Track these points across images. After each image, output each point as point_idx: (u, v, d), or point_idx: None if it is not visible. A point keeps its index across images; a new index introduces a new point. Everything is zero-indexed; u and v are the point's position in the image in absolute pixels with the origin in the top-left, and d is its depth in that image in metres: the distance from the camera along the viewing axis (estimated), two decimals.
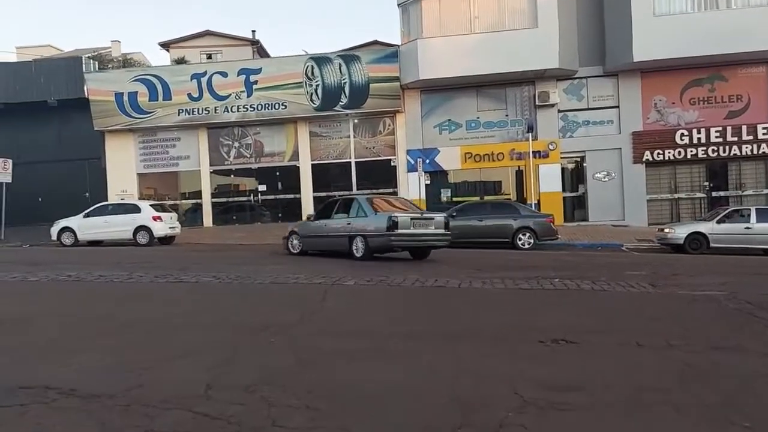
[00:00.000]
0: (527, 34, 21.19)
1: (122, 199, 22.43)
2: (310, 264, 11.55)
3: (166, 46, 34.50)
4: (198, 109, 23.10)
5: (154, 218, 18.48)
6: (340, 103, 22.71)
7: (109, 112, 23.07)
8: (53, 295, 7.92)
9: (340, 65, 22.57)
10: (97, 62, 23.83)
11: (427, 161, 22.82)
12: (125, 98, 23.01)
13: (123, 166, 23.81)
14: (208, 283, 8.47)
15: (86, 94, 22.93)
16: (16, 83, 22.82)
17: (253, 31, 45.81)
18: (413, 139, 23.10)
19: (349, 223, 12.82)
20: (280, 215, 23.89)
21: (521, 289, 8.07)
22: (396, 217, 11.99)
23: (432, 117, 23.10)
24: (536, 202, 21.60)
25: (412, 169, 22.61)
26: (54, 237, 18.85)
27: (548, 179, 22.08)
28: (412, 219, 12.26)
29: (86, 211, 18.98)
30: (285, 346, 4.89)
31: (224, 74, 22.97)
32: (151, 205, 19.03)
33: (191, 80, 22.97)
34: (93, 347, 4.91)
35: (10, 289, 8.38)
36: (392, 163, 23.43)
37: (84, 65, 23.41)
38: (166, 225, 18.86)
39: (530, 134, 21.95)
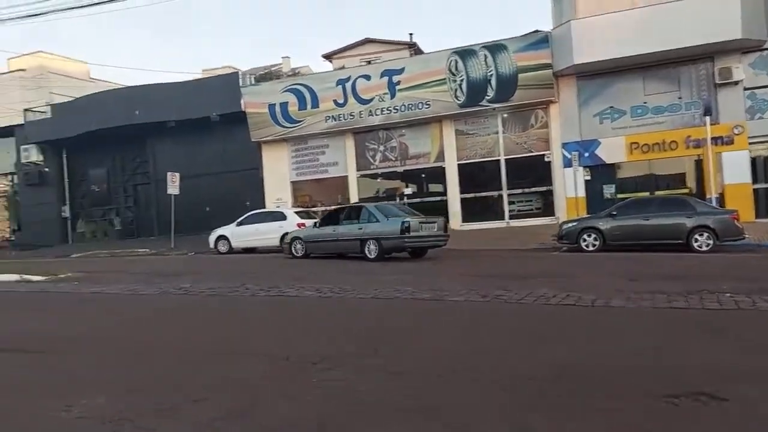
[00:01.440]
0: (701, 3, 18.21)
1: (277, 207, 23.08)
2: (421, 275, 10.53)
3: (329, 57, 35.37)
4: (343, 114, 23.08)
5: (299, 225, 18.57)
6: (487, 97, 21.32)
7: (263, 123, 23.91)
8: (136, 311, 7.72)
9: (485, 57, 21.21)
10: (253, 76, 24.80)
11: (586, 154, 20.61)
12: (277, 109, 23.69)
13: (278, 175, 24.55)
14: (306, 298, 7.79)
15: (243, 107, 23.96)
16: (184, 102, 24.51)
17: (411, 34, 45.72)
18: (569, 131, 21.00)
19: (360, 228, 14.58)
20: None
21: (672, 308, 6.33)
22: (408, 221, 13.93)
23: (590, 105, 20.82)
24: (717, 196, 18.45)
25: (568, 164, 20.58)
26: (211, 245, 19.77)
27: (734, 169, 18.77)
28: (420, 222, 14.29)
29: (239, 220, 19.66)
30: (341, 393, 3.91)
31: (367, 77, 22.71)
32: (296, 212, 19.21)
33: (336, 86, 23.01)
34: (100, 387, 4.32)
35: (109, 304, 8.37)
36: (546, 159, 21.51)
37: (241, 80, 24.51)
38: None
39: (708, 117, 18.83)
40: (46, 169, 27.77)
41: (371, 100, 22.68)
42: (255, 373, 4.30)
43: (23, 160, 27.85)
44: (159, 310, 7.52)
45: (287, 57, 24.67)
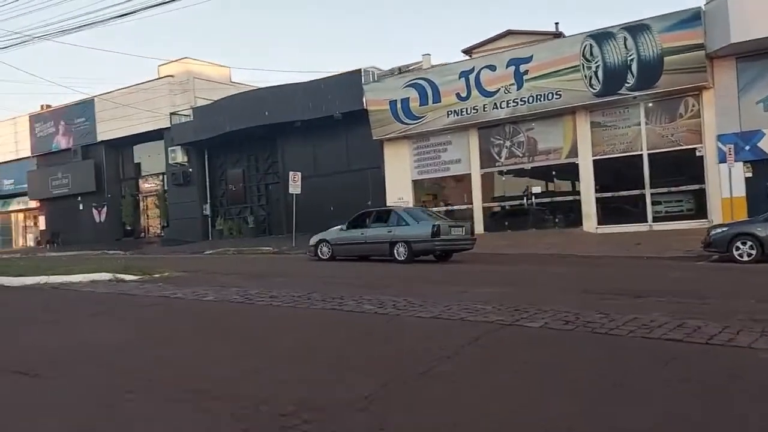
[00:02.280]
0: None
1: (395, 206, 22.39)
2: (514, 284, 9.05)
3: (468, 52, 34.15)
4: (466, 108, 21.78)
5: None
6: (626, 84, 18.93)
7: (384, 120, 23.31)
8: (170, 322, 7.18)
9: (624, 39, 18.83)
10: (374, 73, 24.32)
11: (747, 148, 17.59)
12: (398, 105, 22.97)
13: (399, 174, 23.85)
14: (360, 314, 6.77)
15: (365, 105, 23.56)
16: (310, 101, 24.66)
17: (556, 24, 43.04)
18: (727, 120, 18.04)
19: (390, 231, 15.13)
20: (556, 219, 21.11)
21: None
22: (438, 225, 14.43)
23: (752, 91, 17.74)
24: None
25: (724, 159, 17.65)
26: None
27: None
28: (449, 226, 14.95)
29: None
30: None
31: (492, 68, 21.20)
32: None
33: (459, 79, 21.77)
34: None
35: (149, 312, 7.95)
36: (698, 153, 18.68)
37: (363, 77, 24.14)
38: None
39: None
40: (190, 170, 29.46)
41: (496, 92, 21.16)
42: None
43: (170, 161, 29.79)
44: (192, 319, 6.96)
45: (428, 54, 23.88)
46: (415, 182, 23.92)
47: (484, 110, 21.49)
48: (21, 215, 38.56)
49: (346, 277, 11.12)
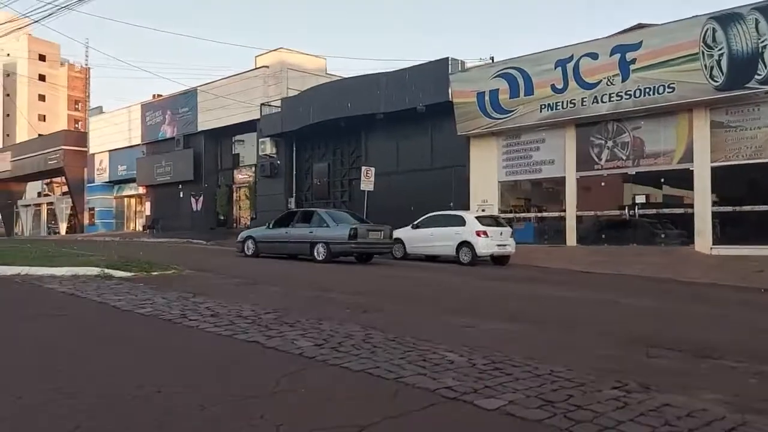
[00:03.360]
0: None
1: (482, 210, 20.24)
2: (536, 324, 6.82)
3: None
4: (562, 102, 19.12)
5: (478, 233, 15.56)
6: (756, 77, 15.50)
7: (470, 114, 21.15)
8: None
9: (756, 22, 15.41)
10: (462, 62, 22.20)
11: None
12: (486, 97, 20.72)
13: (485, 174, 21.57)
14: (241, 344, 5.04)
15: (450, 97, 21.55)
16: (393, 92, 23.06)
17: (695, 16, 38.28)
18: None
19: (311, 232, 15.33)
20: (663, 235, 17.95)
21: None
22: (356, 228, 14.83)
23: None
24: None
25: None
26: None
27: None
28: (367, 230, 15.21)
29: (416, 222, 17.37)
30: None
31: (594, 56, 18.38)
32: (478, 218, 16.20)
33: (555, 68, 19.14)
34: None
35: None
36: None
37: (450, 66, 22.11)
38: (492, 242, 15.76)
39: None
40: (278, 162, 28.94)
41: (597, 83, 18.34)
42: None
43: (260, 153, 29.46)
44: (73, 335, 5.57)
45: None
46: (502, 184, 21.54)
47: (582, 104, 18.73)
48: (133, 200, 40.38)
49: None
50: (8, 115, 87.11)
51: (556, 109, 19.31)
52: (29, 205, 48.87)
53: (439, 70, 22.10)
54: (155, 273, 10.01)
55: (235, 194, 33.23)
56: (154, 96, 37.86)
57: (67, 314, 6.49)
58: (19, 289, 8.20)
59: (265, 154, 29.15)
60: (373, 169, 21.40)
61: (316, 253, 15.01)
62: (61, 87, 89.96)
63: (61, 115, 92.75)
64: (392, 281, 11.51)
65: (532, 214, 21.13)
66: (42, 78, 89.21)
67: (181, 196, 34.20)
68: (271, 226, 16.72)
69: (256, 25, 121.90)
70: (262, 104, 28.68)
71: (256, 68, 30.75)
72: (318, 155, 28.46)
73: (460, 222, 16.19)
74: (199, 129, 32.94)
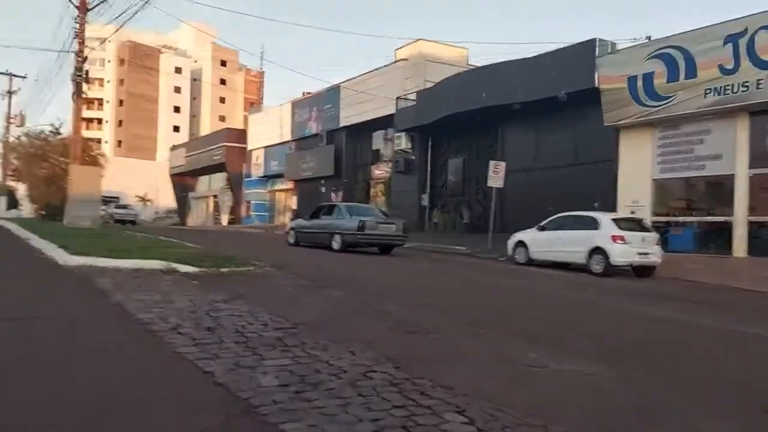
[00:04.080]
0: None
1: (632, 213, 17.56)
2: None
3: None
4: (733, 86, 15.84)
5: (614, 238, 13.21)
6: None
7: (620, 102, 18.41)
8: None
9: None
10: (612, 44, 19.42)
11: None
12: (639, 82, 17.88)
13: (637, 170, 18.69)
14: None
15: (596, 82, 18.98)
16: (531, 80, 20.91)
17: None
18: None
19: (330, 223, 16.31)
20: None
21: None
22: (364, 220, 15.68)
23: None
24: None
25: None
26: (509, 251, 16.00)
27: None
28: (377, 222, 16.05)
29: (542, 223, 15.30)
30: None
31: None
32: (615, 219, 13.78)
33: (724, 45, 15.90)
34: None
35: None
36: None
37: (597, 48, 19.44)
38: (631, 249, 13.32)
39: None
40: (413, 157, 27.92)
41: None
42: None
43: (395, 148, 28.66)
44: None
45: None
46: (656, 182, 18.53)
47: (758, 88, 15.37)
48: (283, 194, 41.78)
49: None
50: (194, 116, 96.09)
51: (724, 93, 16.06)
52: (199, 197, 52.84)
53: (585, 53, 19.58)
54: (226, 269, 9.27)
55: (371, 190, 32.82)
56: (303, 94, 38.78)
57: (58, 317, 5.81)
58: (65, 281, 7.84)
59: (400, 149, 28.28)
60: (503, 164, 19.52)
61: (333, 243, 15.79)
62: (239, 90, 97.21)
63: (237, 116, 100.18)
64: (482, 291, 9.82)
65: (691, 218, 17.92)
66: (223, 82, 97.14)
67: (323, 191, 34.52)
68: (307, 219, 17.93)
69: (405, 17, 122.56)
70: (398, 98, 27.82)
71: (395, 61, 30.00)
72: (453, 150, 26.99)
73: (593, 224, 13.87)
74: (341, 125, 33.01)
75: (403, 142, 28.01)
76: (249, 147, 43.53)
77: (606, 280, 12.84)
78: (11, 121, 41.22)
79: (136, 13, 21.79)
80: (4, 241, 14.71)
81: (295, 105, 38.12)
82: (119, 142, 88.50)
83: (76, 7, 17.56)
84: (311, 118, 35.89)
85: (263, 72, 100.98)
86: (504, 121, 23.33)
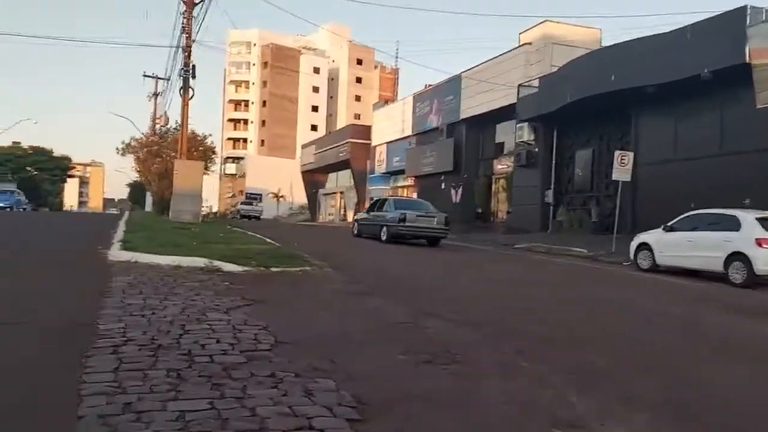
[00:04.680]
0: None
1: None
2: None
3: None
4: None
5: (758, 241, 10.72)
6: None
7: None
8: None
9: None
10: (766, 11, 16.13)
11: None
12: None
13: None
14: None
15: (747, 57, 15.93)
16: (668, 58, 18.08)
17: None
18: None
19: (380, 216, 17.83)
20: None
21: None
22: (405, 213, 16.75)
23: None
24: None
25: None
26: (631, 255, 13.74)
27: None
28: (417, 215, 16.84)
29: (671, 223, 12.91)
30: None
31: None
32: (760, 219, 11.18)
33: None
34: None
35: None
36: None
37: (749, 17, 16.28)
38: None
39: None
40: (536, 150, 25.73)
41: None
42: None
43: (517, 140, 26.63)
44: None
45: None
46: None
47: None
48: (405, 191, 40.98)
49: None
50: (331, 114, 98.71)
51: None
52: (328, 194, 53.71)
53: (733, 23, 16.53)
54: (276, 269, 8.39)
55: (493, 186, 30.92)
56: (426, 86, 37.68)
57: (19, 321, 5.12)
58: (87, 276, 7.30)
59: (522, 141, 26.21)
60: (630, 154, 17.09)
61: (382, 235, 17.05)
62: (374, 88, 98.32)
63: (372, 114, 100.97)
64: (567, 306, 8.04)
65: None
66: (358, 80, 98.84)
67: (443, 186, 33.20)
68: (367, 212, 19.73)
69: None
70: (520, 85, 25.77)
71: (518, 46, 27.93)
72: (581, 141, 24.47)
73: (733, 224, 11.33)
74: (461, 117, 31.46)
75: (525, 134, 25.93)
76: (373, 143, 43.24)
77: (747, 293, 10.39)
78: (156, 121, 44.14)
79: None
80: (84, 233, 14.94)
81: (417, 98, 37.10)
82: (262, 142, 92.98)
83: (183, 2, 17.79)
84: (432, 111, 34.67)
85: (398, 69, 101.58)
86: (637, 106, 20.59)
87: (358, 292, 7.22)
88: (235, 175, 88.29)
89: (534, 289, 9.22)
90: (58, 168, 63.23)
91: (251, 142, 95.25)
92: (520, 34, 28.51)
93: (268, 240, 12.79)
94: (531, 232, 24.23)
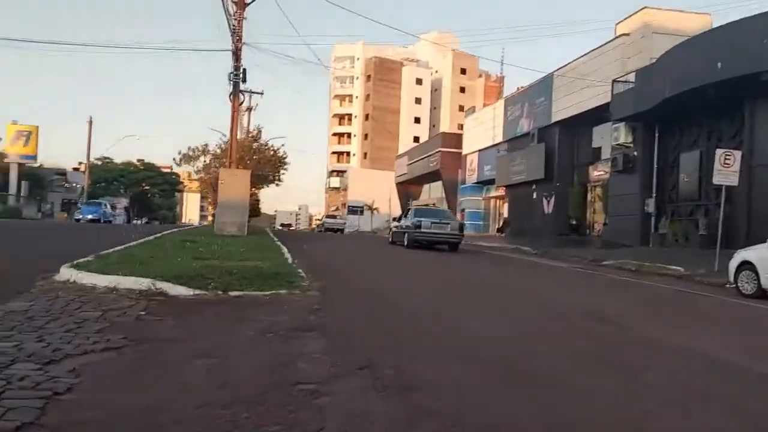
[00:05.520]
0: None
1: None
2: None
3: None
4: None
5: None
6: None
7: None
8: None
9: None
10: None
11: None
12: None
13: None
14: None
15: None
16: None
17: None
18: None
19: (403, 224, 19.44)
20: None
21: None
22: (420, 220, 18.04)
23: None
24: None
25: None
26: (730, 276, 10.99)
27: None
28: (432, 222, 18.09)
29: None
30: None
31: None
32: None
33: None
34: None
35: None
36: None
37: None
38: None
39: None
40: (634, 153, 22.68)
41: None
42: None
43: (612, 142, 23.68)
44: None
45: None
46: None
47: None
48: (497, 201, 38.56)
49: None
50: (434, 125, 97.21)
51: None
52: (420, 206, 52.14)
53: None
54: (236, 293, 6.88)
55: (589, 194, 27.92)
56: (517, 89, 35.23)
57: None
58: None
59: (619, 144, 23.25)
60: (737, 154, 14.14)
61: (405, 240, 18.45)
62: (478, 98, 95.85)
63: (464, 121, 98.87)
64: (602, 367, 5.84)
65: None
66: (462, 90, 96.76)
67: (534, 196, 30.58)
68: (397, 220, 21.44)
69: None
70: (614, 81, 22.91)
71: (614, 38, 25.01)
72: (686, 142, 21.19)
73: None
74: (553, 120, 28.82)
75: (621, 135, 22.99)
76: (464, 151, 41.19)
77: None
78: (250, 133, 44.71)
79: None
80: (80, 248, 14.21)
81: (508, 102, 34.75)
82: (365, 155, 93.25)
83: (234, 2, 17.00)
84: (522, 114, 32.20)
85: (503, 77, 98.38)
86: (751, 98, 17.33)
87: (306, 329, 5.52)
88: (339, 188, 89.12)
89: (568, 341, 6.84)
90: (168, 183, 66.34)
91: (354, 155, 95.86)
92: (616, 24, 25.57)
93: (287, 255, 11.36)
94: (630, 246, 21.27)
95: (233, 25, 16.82)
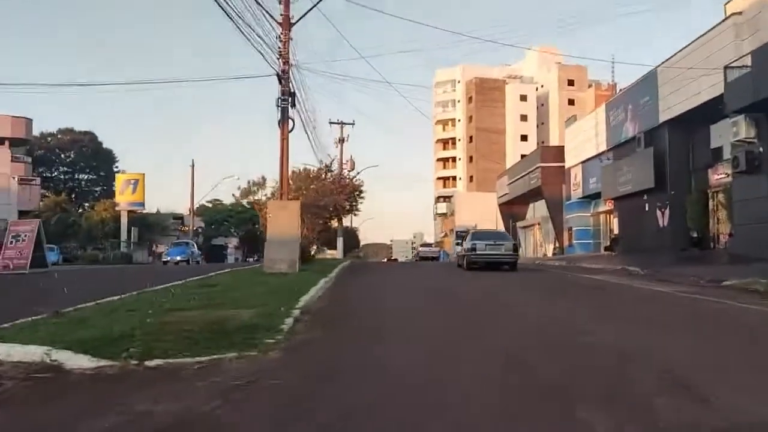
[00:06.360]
0: None
1: None
2: None
3: None
4: None
5: None
6: None
7: None
8: None
9: None
10: None
11: None
12: None
13: None
14: None
15: None
16: None
17: None
18: None
19: (462, 247, 21.22)
20: None
21: None
22: (475, 243, 19.24)
23: None
24: None
25: None
26: None
27: None
28: (486, 244, 19.15)
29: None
30: None
31: None
32: None
33: None
34: None
35: None
36: None
37: None
38: None
39: None
40: (759, 150, 18.98)
41: None
42: None
43: (731, 138, 20.06)
44: None
45: None
46: None
47: None
48: (607, 218, 34.86)
49: None
50: (543, 142, 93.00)
51: None
52: (527, 227, 48.94)
53: None
54: (154, 363, 5.17)
55: (710, 202, 24.04)
56: (618, 90, 31.80)
57: None
58: None
59: (739, 140, 19.63)
60: None
61: (463, 263, 19.79)
62: (588, 109, 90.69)
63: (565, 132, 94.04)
64: None
65: None
66: (571, 102, 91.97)
67: (647, 208, 26.99)
68: (459, 244, 22.74)
69: None
70: (726, 67, 19.45)
71: (724, 19, 21.50)
72: None
73: None
74: (661, 120, 25.35)
75: (742, 129, 19.37)
76: (566, 164, 37.92)
77: None
78: (344, 165, 44.08)
79: None
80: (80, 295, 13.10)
81: (609, 106, 31.42)
82: (471, 178, 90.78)
83: (279, 24, 15.93)
84: (627, 118, 28.82)
85: (615, 84, 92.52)
86: None
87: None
88: (446, 214, 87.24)
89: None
90: None
91: (460, 179, 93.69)
92: (725, 4, 22.02)
93: (304, 297, 9.56)
94: (764, 260, 17.58)
95: (278, 47, 15.79)
